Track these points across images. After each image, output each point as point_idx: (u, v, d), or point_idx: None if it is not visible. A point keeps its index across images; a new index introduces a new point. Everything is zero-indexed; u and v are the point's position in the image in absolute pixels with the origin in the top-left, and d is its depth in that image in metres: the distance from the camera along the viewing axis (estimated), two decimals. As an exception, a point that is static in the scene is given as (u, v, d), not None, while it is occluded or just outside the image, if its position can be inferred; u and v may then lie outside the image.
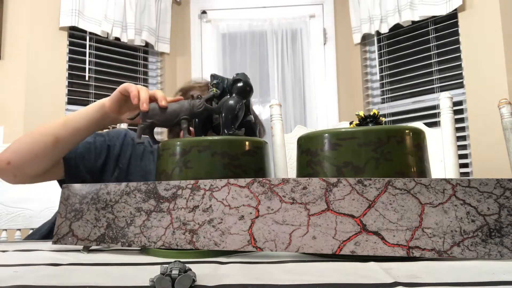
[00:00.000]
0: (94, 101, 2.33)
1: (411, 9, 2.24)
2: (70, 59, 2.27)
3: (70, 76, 2.27)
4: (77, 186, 0.65)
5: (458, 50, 2.16)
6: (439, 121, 1.31)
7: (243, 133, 0.70)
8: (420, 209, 0.51)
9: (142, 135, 0.69)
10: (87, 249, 0.63)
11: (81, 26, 2.21)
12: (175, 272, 0.39)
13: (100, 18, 2.28)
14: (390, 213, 0.51)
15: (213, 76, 0.73)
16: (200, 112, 0.68)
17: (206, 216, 0.56)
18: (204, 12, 2.76)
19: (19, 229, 1.27)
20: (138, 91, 0.73)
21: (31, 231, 1.30)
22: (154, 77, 2.71)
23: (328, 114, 2.66)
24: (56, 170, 0.89)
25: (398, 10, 2.31)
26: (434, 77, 2.28)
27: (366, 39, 2.61)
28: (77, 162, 0.90)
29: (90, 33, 2.31)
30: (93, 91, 2.35)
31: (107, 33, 2.31)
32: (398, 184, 0.52)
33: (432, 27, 2.29)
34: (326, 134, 0.59)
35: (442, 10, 2.12)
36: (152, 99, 0.72)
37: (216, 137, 0.64)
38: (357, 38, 2.60)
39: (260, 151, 0.66)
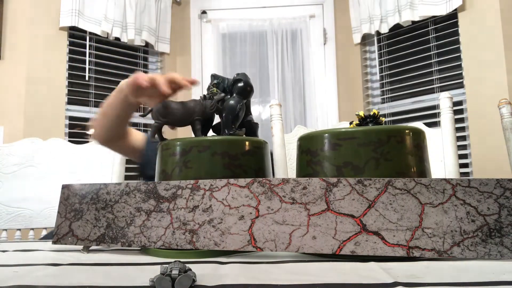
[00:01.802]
0: (94, 101, 2.33)
1: (411, 9, 2.25)
2: (70, 59, 2.27)
3: (70, 76, 2.27)
4: (77, 186, 0.65)
5: (458, 50, 2.16)
6: (439, 121, 1.31)
7: (244, 133, 0.70)
8: (420, 209, 0.51)
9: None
10: (87, 249, 0.63)
11: (81, 26, 2.21)
12: (175, 272, 0.39)
13: (100, 18, 2.28)
14: (390, 213, 0.51)
15: (214, 76, 0.73)
16: (212, 113, 0.69)
17: (206, 216, 0.56)
18: (204, 12, 2.76)
19: (19, 229, 1.27)
20: (150, 78, 0.75)
21: (31, 231, 1.30)
22: (154, 77, 2.70)
23: (328, 114, 2.66)
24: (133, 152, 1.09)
25: (398, 10, 2.31)
26: (434, 77, 2.28)
27: (366, 39, 2.61)
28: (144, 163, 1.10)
29: (90, 33, 2.31)
30: (93, 91, 2.35)
31: (107, 33, 2.31)
32: (398, 184, 0.52)
33: (432, 27, 2.29)
34: (326, 134, 0.59)
35: (442, 10, 2.12)
36: (170, 81, 0.74)
37: (216, 137, 0.64)
38: (357, 38, 2.60)
39: (260, 151, 0.66)
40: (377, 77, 2.58)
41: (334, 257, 0.53)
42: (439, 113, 1.24)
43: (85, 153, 1.33)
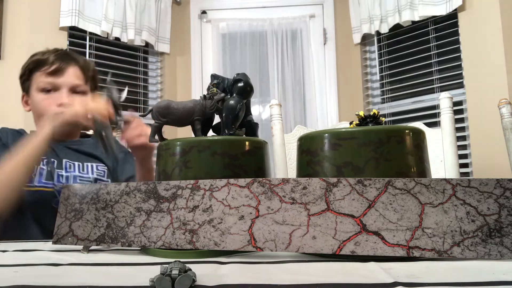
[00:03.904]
0: (94, 101, 2.33)
1: (411, 9, 2.25)
2: (70, 59, 2.27)
3: (70, 76, 2.26)
4: (77, 186, 0.65)
5: (458, 50, 2.16)
6: (439, 121, 1.31)
7: (244, 133, 0.70)
8: (420, 209, 0.51)
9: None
10: (87, 249, 0.63)
11: (81, 26, 2.21)
12: (175, 272, 0.39)
13: (100, 18, 2.28)
14: (390, 213, 0.51)
15: (214, 76, 0.73)
16: (212, 113, 0.69)
17: (206, 216, 0.56)
18: (204, 12, 2.76)
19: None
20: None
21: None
22: (154, 77, 2.71)
23: (328, 114, 2.66)
24: None
25: (398, 10, 2.31)
26: (434, 77, 2.28)
27: (366, 39, 2.61)
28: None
29: (90, 33, 2.31)
30: (93, 91, 2.35)
31: (107, 33, 2.31)
32: (398, 184, 0.52)
33: (432, 27, 2.29)
34: (326, 134, 0.59)
35: (442, 10, 2.12)
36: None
37: (216, 137, 0.64)
38: (357, 38, 2.60)
39: (260, 151, 0.66)
40: (377, 77, 2.58)
41: (334, 257, 0.53)
42: (439, 113, 1.24)
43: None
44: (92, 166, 1.11)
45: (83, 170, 1.09)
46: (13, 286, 0.41)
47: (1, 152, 1.00)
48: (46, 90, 1.08)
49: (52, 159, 1.07)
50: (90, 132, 1.38)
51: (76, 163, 1.10)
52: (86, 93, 1.13)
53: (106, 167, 1.13)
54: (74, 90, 1.10)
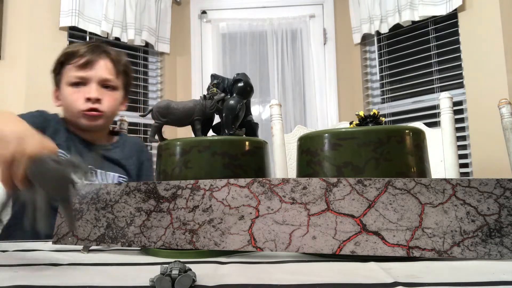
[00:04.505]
0: (94, 101, 2.32)
1: (411, 9, 2.24)
2: (70, 59, 2.27)
3: (70, 76, 2.26)
4: (77, 186, 0.65)
5: (458, 50, 2.15)
6: (439, 121, 1.31)
7: (244, 133, 0.70)
8: (420, 209, 0.51)
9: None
10: (87, 249, 0.63)
11: (81, 26, 2.21)
12: (175, 272, 0.39)
13: (100, 18, 2.28)
14: (390, 213, 0.51)
15: (214, 76, 0.73)
16: (212, 113, 0.69)
17: (206, 216, 0.56)
18: (204, 12, 2.76)
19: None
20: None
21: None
22: (154, 77, 2.71)
23: (328, 114, 2.66)
24: None
25: (398, 10, 2.31)
26: (434, 77, 2.28)
27: (366, 39, 2.61)
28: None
29: (90, 33, 2.30)
30: (93, 91, 2.35)
31: (107, 33, 2.31)
32: (398, 184, 0.52)
33: (432, 27, 2.29)
34: (326, 134, 0.59)
35: (442, 10, 2.12)
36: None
37: (216, 137, 0.64)
38: (357, 38, 2.60)
39: (260, 151, 0.66)
40: (377, 77, 2.58)
41: (334, 257, 0.53)
42: (439, 113, 1.24)
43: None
44: (114, 177, 1.07)
45: (104, 179, 1.05)
46: (13, 286, 0.41)
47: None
48: (75, 84, 1.03)
49: None
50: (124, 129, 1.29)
51: (99, 172, 1.05)
52: (117, 89, 1.08)
53: (127, 178, 1.09)
54: (103, 85, 1.05)
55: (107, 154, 1.09)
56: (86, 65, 1.03)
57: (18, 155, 0.52)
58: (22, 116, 1.00)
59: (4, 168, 0.52)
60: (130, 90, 1.17)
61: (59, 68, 1.07)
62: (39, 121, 1.02)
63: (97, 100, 1.02)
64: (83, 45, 1.06)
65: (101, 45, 1.09)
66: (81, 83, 1.03)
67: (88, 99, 1.01)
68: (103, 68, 1.04)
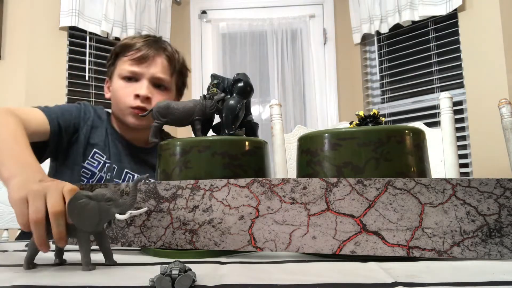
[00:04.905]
0: (94, 101, 2.33)
1: (411, 9, 2.24)
2: (70, 59, 2.27)
3: (70, 76, 2.26)
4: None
5: (458, 50, 2.15)
6: (439, 121, 1.31)
7: (244, 133, 0.70)
8: (420, 209, 0.51)
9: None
10: (87, 249, 0.63)
11: (81, 26, 2.21)
12: (175, 272, 0.39)
13: (100, 18, 2.28)
14: (390, 213, 0.51)
15: (214, 76, 0.73)
16: (212, 113, 0.69)
17: (206, 216, 0.56)
18: (204, 12, 2.76)
19: (20, 229, 1.27)
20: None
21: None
22: (154, 77, 2.71)
23: (328, 114, 2.66)
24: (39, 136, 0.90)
25: (398, 10, 2.31)
26: (434, 77, 2.28)
27: (366, 39, 2.61)
28: (59, 120, 0.94)
29: (90, 33, 2.30)
30: (93, 91, 2.35)
31: (107, 33, 2.31)
32: (398, 184, 0.52)
33: (432, 27, 2.29)
34: (326, 134, 0.59)
35: (442, 10, 2.12)
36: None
37: (216, 137, 0.64)
38: (357, 38, 2.60)
39: (260, 151, 0.66)
40: (377, 77, 2.57)
41: (334, 257, 0.53)
42: (439, 113, 1.24)
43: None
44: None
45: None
46: (13, 286, 0.41)
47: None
48: (128, 78, 0.99)
49: (114, 165, 0.99)
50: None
51: (136, 176, 1.01)
52: (169, 90, 1.02)
53: None
54: (156, 83, 0.99)
55: (146, 159, 1.05)
56: (141, 60, 0.98)
57: (52, 208, 0.51)
58: (62, 107, 0.99)
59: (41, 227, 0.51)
60: (184, 91, 1.11)
61: (113, 59, 1.03)
62: (75, 115, 0.99)
63: (147, 99, 0.97)
64: (141, 38, 1.02)
65: (159, 40, 1.04)
66: (133, 78, 0.99)
67: (137, 96, 0.96)
68: (158, 66, 0.99)
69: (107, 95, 1.05)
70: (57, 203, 0.51)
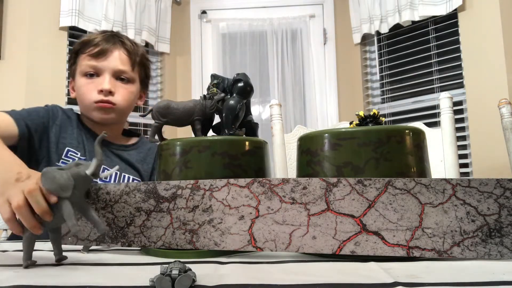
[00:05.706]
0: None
1: (411, 9, 2.24)
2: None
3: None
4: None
5: (458, 50, 2.15)
6: (439, 121, 1.31)
7: (244, 133, 0.70)
8: (420, 209, 0.51)
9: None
10: (87, 249, 0.63)
11: (81, 26, 2.21)
12: (175, 272, 0.39)
13: (100, 18, 2.28)
14: (390, 213, 0.51)
15: (214, 76, 0.73)
16: (212, 113, 0.69)
17: (206, 216, 0.56)
18: (204, 12, 2.76)
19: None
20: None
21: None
22: (154, 77, 2.70)
23: (328, 114, 2.66)
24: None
25: (398, 10, 2.31)
26: (434, 77, 2.28)
27: (366, 39, 2.61)
28: (26, 122, 0.95)
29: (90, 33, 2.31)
30: (93, 91, 2.35)
31: (107, 33, 2.31)
32: (398, 184, 0.52)
33: (432, 27, 2.29)
34: (326, 134, 0.59)
35: (442, 10, 2.12)
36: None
37: (216, 137, 0.64)
38: (357, 38, 2.60)
39: (260, 151, 0.66)
40: (377, 77, 2.57)
41: (334, 257, 0.53)
42: (439, 113, 1.24)
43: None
44: (129, 178, 1.03)
45: (118, 180, 1.01)
46: (13, 286, 0.41)
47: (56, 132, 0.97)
48: (89, 75, 0.99)
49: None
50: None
51: (113, 172, 1.01)
52: (132, 82, 1.03)
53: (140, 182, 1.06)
54: (118, 76, 1.00)
55: (121, 155, 1.06)
56: (100, 55, 0.98)
57: (27, 190, 0.53)
58: (28, 109, 1.00)
59: (26, 212, 0.53)
60: (148, 83, 1.12)
61: (74, 58, 1.03)
62: (43, 115, 1.00)
63: (110, 93, 0.98)
64: (98, 34, 1.02)
65: (117, 34, 1.05)
66: (95, 74, 0.99)
67: (101, 91, 0.97)
68: (117, 59, 1.00)
69: (73, 95, 1.06)
70: (32, 185, 0.53)
